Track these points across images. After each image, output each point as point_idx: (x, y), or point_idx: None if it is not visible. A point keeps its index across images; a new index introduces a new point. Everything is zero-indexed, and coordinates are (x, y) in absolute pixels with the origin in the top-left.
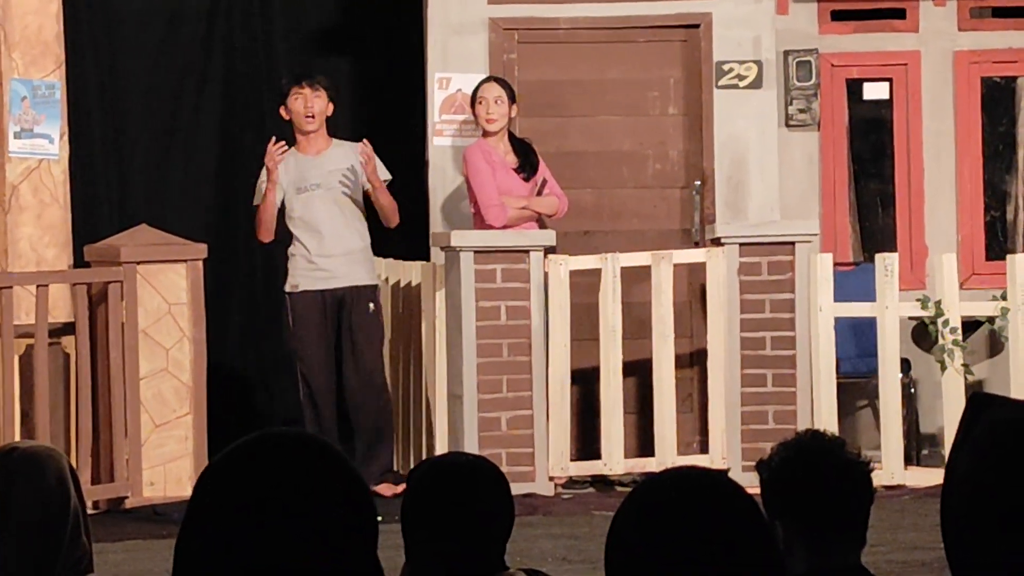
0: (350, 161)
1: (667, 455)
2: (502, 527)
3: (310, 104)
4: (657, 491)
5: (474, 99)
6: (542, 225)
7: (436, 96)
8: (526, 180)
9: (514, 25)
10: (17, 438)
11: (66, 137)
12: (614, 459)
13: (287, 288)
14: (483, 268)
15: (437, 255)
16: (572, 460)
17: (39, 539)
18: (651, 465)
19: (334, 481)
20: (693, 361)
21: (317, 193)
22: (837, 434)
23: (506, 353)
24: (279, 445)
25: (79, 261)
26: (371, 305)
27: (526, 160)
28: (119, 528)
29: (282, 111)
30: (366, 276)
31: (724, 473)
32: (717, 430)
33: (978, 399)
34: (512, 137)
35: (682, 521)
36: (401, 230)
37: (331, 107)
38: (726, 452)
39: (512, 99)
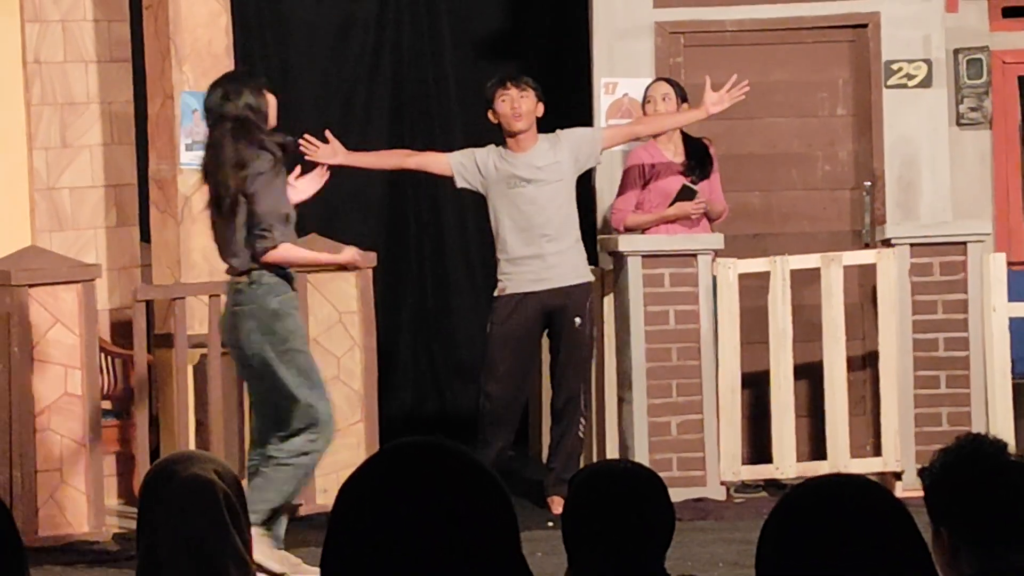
0: (559, 155)
1: (840, 458)
2: (662, 535)
3: (517, 104)
4: (805, 497)
5: (644, 100)
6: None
7: (603, 101)
8: (694, 183)
9: (680, 28)
10: (192, 447)
11: None
12: (786, 463)
13: (495, 292)
14: (651, 272)
15: (605, 260)
16: (744, 464)
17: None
18: (823, 468)
19: (470, 488)
20: (865, 363)
21: (527, 190)
22: (1000, 437)
23: (675, 357)
24: (411, 455)
25: None
26: (577, 320)
27: (697, 162)
28: (293, 536)
29: (489, 114)
30: (577, 275)
31: (872, 480)
32: (890, 433)
33: None
34: (687, 138)
35: (829, 528)
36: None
37: (541, 107)
38: (899, 455)
39: (683, 98)
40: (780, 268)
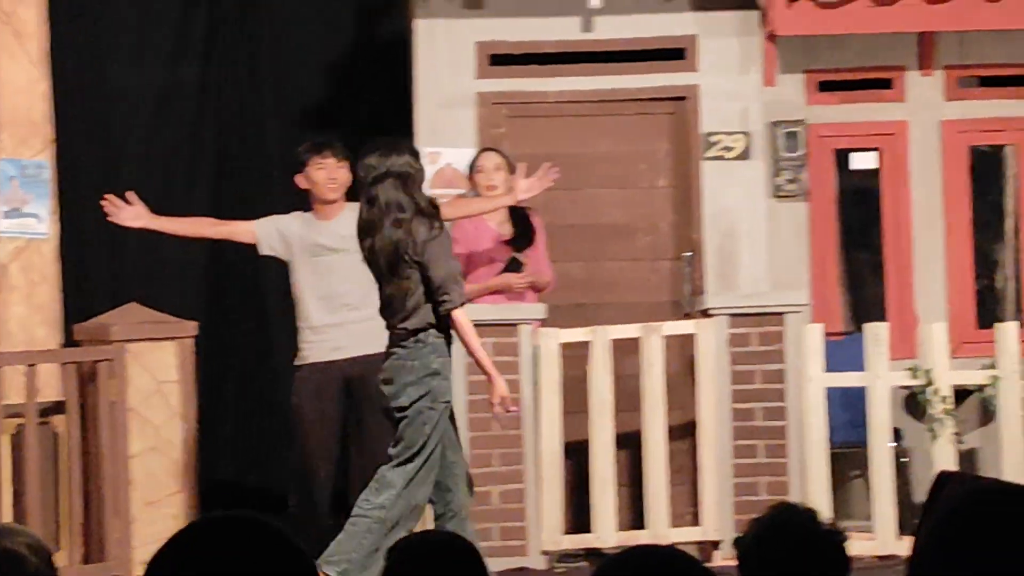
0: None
1: (659, 528)
2: None
3: (334, 175)
4: (616, 569)
5: (472, 170)
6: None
7: (427, 170)
8: (518, 250)
9: (503, 99)
10: (8, 519)
11: (56, 216)
12: (606, 532)
13: (296, 361)
14: None
15: None
16: (565, 534)
17: None
18: (643, 537)
19: (278, 564)
20: (685, 433)
21: (331, 258)
22: (812, 506)
23: (497, 427)
24: (219, 530)
25: (70, 340)
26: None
27: (521, 232)
28: None
29: (299, 179)
30: (379, 344)
31: (681, 551)
32: (709, 502)
33: (943, 476)
34: (511, 208)
35: None
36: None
37: (350, 176)
38: (718, 524)
39: (511, 168)
40: (600, 338)
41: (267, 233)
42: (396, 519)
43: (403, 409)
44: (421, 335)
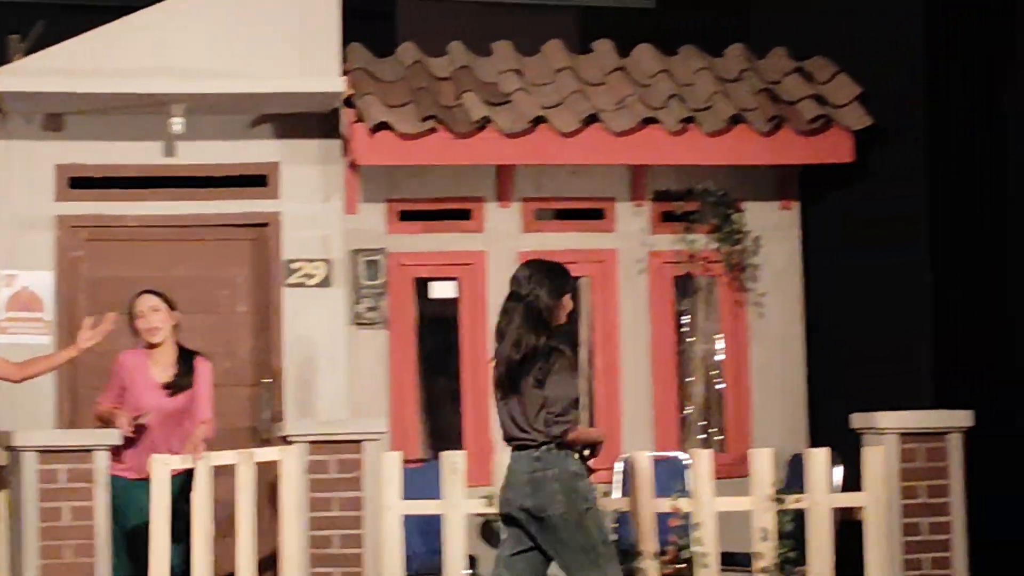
0: None
1: None
2: None
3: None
4: None
5: (134, 315)
6: None
7: (2, 293)
8: (171, 395)
9: (82, 222)
10: None
11: None
12: None
13: None
14: (47, 468)
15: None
16: None
17: None
18: None
19: None
20: (271, 562)
21: None
22: None
23: (70, 555)
24: None
25: None
26: None
27: (183, 374)
28: None
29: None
30: None
31: None
32: None
33: None
34: (182, 351)
35: None
36: None
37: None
38: None
39: (171, 306)
40: (204, 465)
41: None
42: None
43: (551, 519)
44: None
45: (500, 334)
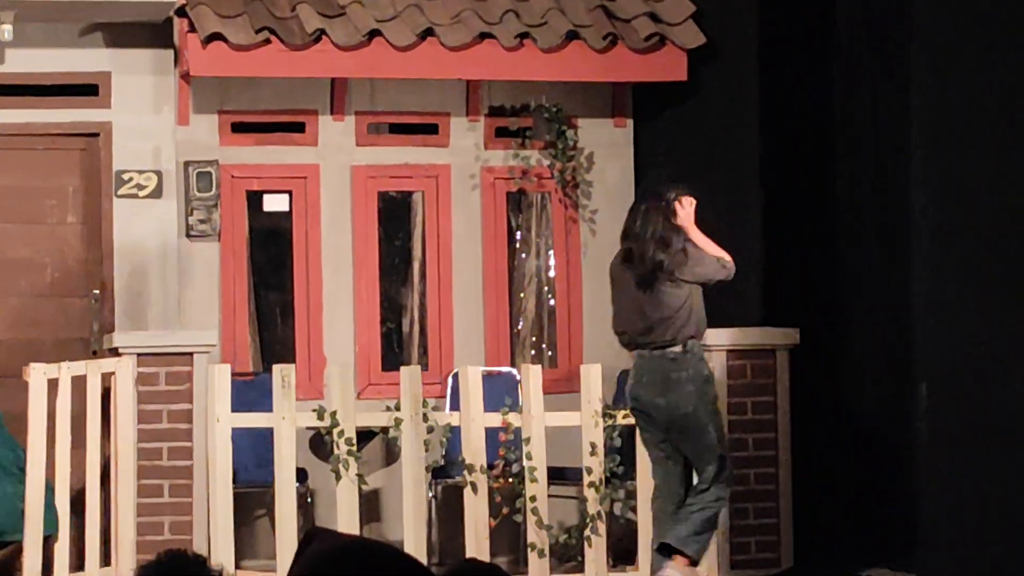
0: None
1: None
2: None
3: None
4: None
5: None
6: None
7: None
8: None
9: None
10: None
11: None
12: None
13: None
14: None
15: None
16: None
17: None
18: None
19: None
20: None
21: None
22: (202, 552)
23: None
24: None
25: None
26: None
27: None
28: None
29: None
30: None
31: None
32: (124, 541)
33: (311, 532)
34: None
35: None
36: None
37: None
38: (130, 563)
39: None
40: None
41: None
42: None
43: (680, 419)
44: (689, 343)
45: (632, 234)
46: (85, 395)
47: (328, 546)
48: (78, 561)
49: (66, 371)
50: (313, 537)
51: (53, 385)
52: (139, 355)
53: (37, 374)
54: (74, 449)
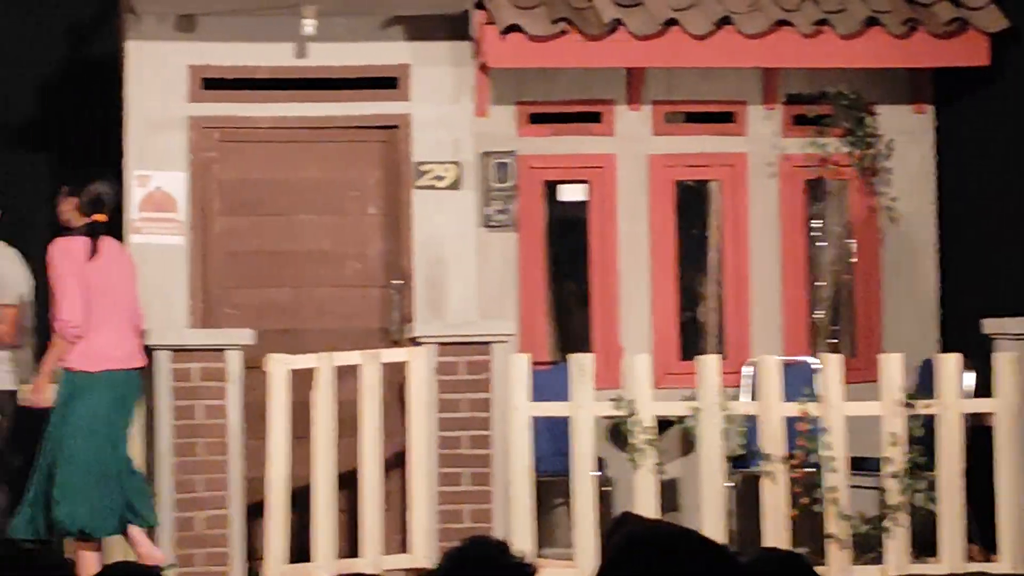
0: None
1: (373, 554)
2: None
3: None
4: None
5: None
6: None
7: (135, 193)
8: None
9: (214, 123)
10: None
11: None
12: (326, 559)
13: None
14: (180, 367)
15: None
16: (288, 563)
17: None
18: (360, 565)
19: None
20: (396, 461)
21: None
22: (503, 539)
23: (202, 452)
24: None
25: None
26: None
27: None
28: None
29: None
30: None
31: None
32: (419, 529)
33: (623, 516)
34: None
35: None
36: None
37: None
38: (427, 551)
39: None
40: (327, 365)
41: None
42: None
43: None
44: None
45: None
46: (363, 384)
47: (639, 530)
48: (350, 548)
49: (327, 360)
50: (624, 521)
51: (304, 376)
52: (439, 344)
53: (277, 365)
54: (345, 438)
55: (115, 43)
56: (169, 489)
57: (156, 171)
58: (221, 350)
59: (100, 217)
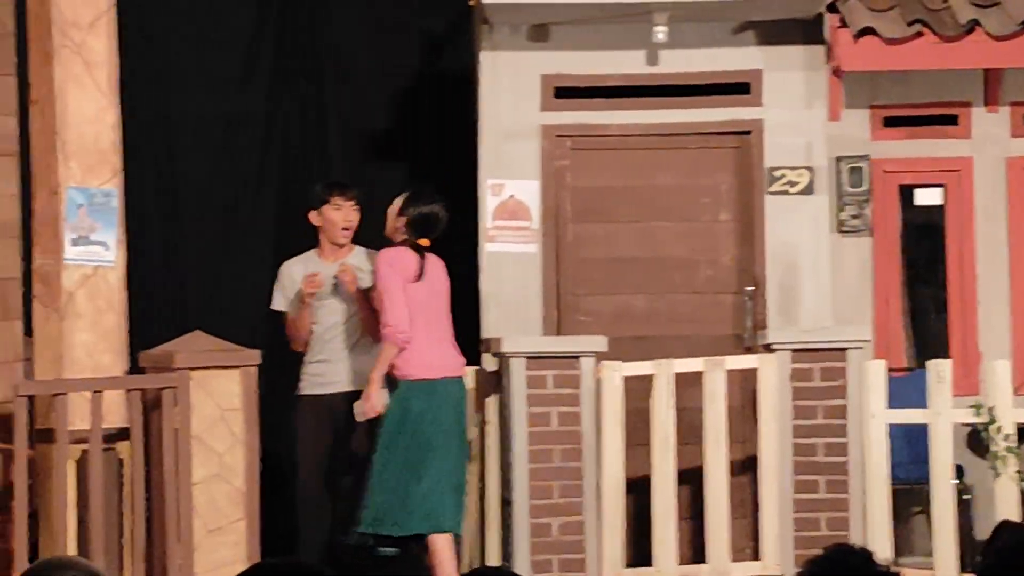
0: (370, 267)
1: (720, 561)
2: None
3: (350, 217)
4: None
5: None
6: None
7: (489, 202)
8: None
9: (566, 132)
10: (72, 544)
11: (123, 244)
12: (667, 565)
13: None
14: (535, 374)
15: (489, 360)
16: (627, 567)
17: None
18: (704, 572)
19: None
20: (745, 467)
21: (328, 299)
22: (866, 547)
23: (557, 459)
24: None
25: (134, 367)
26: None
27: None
28: None
29: (313, 216)
30: (362, 381)
31: None
32: (770, 536)
33: (1003, 525)
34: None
35: None
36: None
37: (358, 220)
38: (779, 559)
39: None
40: (664, 371)
41: (284, 288)
42: None
43: None
44: None
45: None
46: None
47: (1018, 539)
48: (693, 555)
49: (665, 367)
50: (1003, 530)
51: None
52: (793, 351)
53: (610, 372)
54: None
55: (468, 55)
56: (524, 495)
57: (509, 180)
58: (576, 357)
59: (424, 242)
